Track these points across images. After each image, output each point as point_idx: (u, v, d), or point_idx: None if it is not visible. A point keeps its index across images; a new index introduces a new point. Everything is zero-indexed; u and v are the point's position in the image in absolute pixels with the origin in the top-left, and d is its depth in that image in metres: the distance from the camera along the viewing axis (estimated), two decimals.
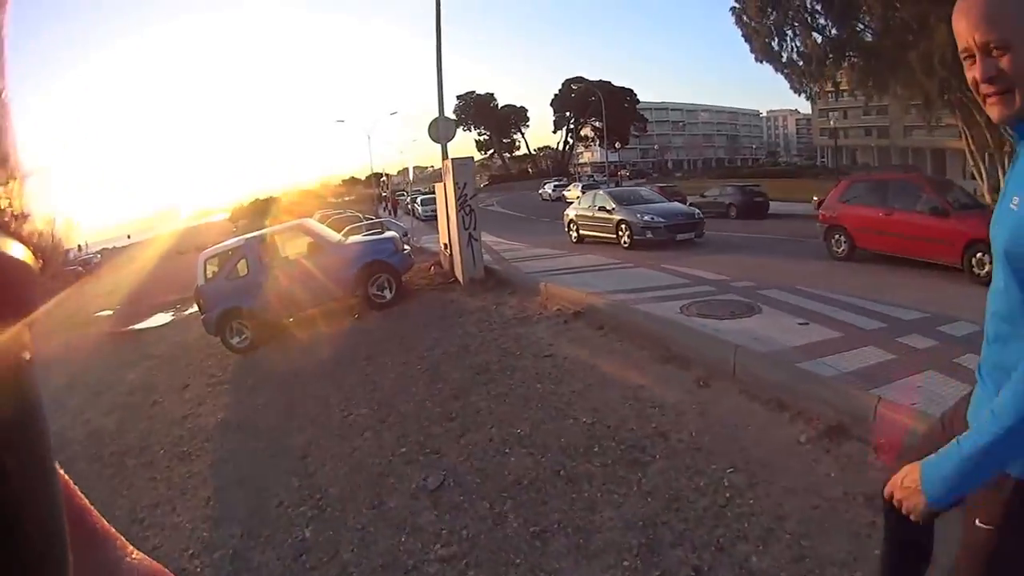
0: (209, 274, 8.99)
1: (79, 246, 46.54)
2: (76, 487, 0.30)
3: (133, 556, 0.32)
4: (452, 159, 9.67)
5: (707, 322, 5.91)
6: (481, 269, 9.54)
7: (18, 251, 0.21)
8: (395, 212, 35.66)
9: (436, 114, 11.30)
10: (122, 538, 0.32)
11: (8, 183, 0.23)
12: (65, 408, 8.39)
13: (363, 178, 68.90)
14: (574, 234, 14.58)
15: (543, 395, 4.93)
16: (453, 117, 16.16)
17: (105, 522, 0.31)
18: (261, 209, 30.47)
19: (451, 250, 9.91)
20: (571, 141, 75.91)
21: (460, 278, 9.56)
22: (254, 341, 8.76)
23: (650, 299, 7.20)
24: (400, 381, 6.03)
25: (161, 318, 14.22)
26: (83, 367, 11.01)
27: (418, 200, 31.90)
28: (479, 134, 76.07)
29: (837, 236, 10.28)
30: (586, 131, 73.24)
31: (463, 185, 9.33)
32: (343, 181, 77.00)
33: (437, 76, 11.85)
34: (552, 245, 13.79)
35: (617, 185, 29.88)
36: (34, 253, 0.22)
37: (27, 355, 0.22)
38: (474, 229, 9.37)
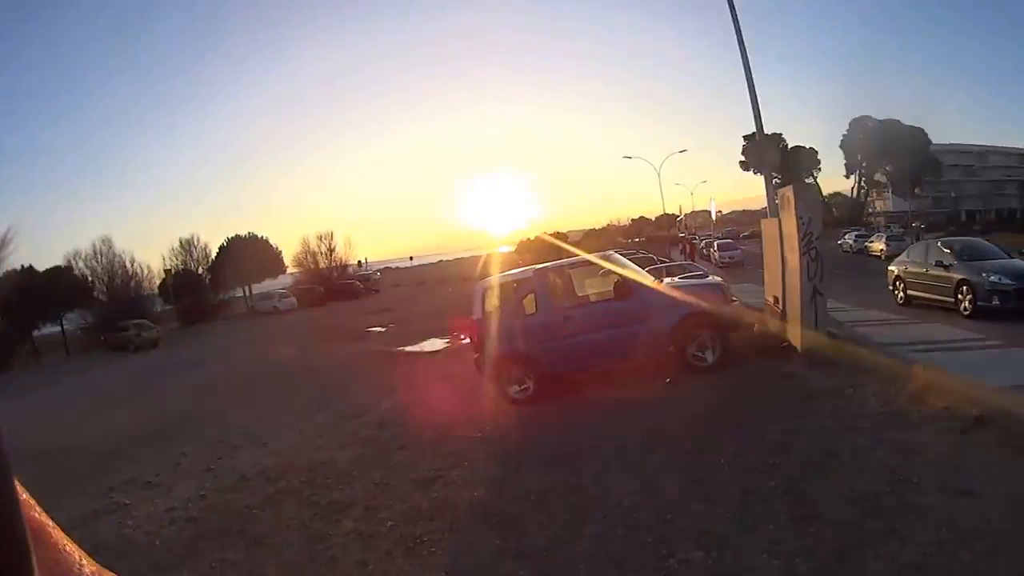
0: (489, 307, 8.12)
1: (359, 262, 53.12)
2: (32, 499, 0.29)
3: (92, 568, 0.31)
4: (794, 184, 7.64)
5: None
6: (824, 334, 7.15)
7: None
8: (692, 256, 33.79)
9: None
10: (81, 551, 0.31)
11: None
12: (304, 426, 8.17)
13: (653, 218, 64.48)
14: (900, 294, 12.26)
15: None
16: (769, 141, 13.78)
17: (63, 534, 0.30)
18: (547, 245, 31.25)
19: (784, 306, 7.67)
20: (864, 187, 66.01)
21: (796, 343, 7.28)
22: (535, 394, 7.59)
23: None
24: (744, 501, 4.13)
25: (434, 343, 14.34)
26: (340, 384, 11.20)
27: (715, 244, 30.75)
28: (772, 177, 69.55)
29: None
30: (878, 176, 62.99)
31: (807, 221, 7.13)
32: (632, 220, 74.24)
33: (750, 92, 9.87)
34: (876, 306, 11.79)
35: (918, 238, 24.95)
36: None
37: None
38: (820, 280, 7.01)
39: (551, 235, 57.45)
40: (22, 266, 32.68)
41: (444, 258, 60.13)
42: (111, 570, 0.35)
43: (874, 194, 68.44)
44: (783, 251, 7.73)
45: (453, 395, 8.80)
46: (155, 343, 27.38)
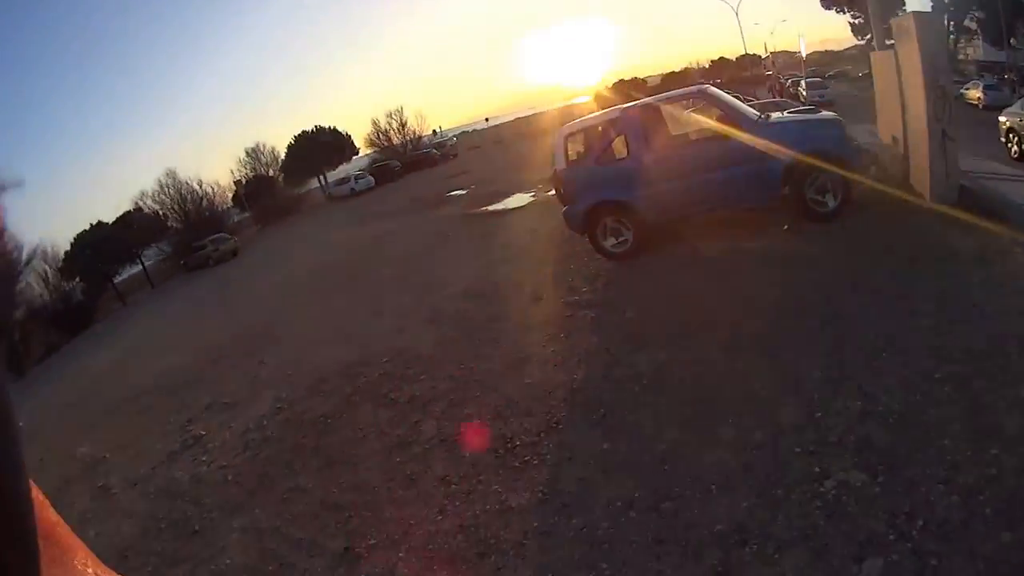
0: (573, 155, 6.70)
1: (433, 131, 51.32)
2: (47, 500, 0.28)
3: (99, 570, 0.31)
4: (914, 14, 6.25)
5: None
6: (956, 186, 5.72)
7: None
8: (781, 95, 29.86)
9: None
10: (92, 554, 0.30)
11: None
12: (384, 307, 7.44)
13: (734, 59, 58.64)
14: (1014, 148, 10.81)
15: None
16: None
17: (76, 537, 0.30)
18: (626, 91, 28.58)
19: (907, 150, 6.19)
20: (953, 33, 54.20)
21: (923, 192, 5.82)
22: (635, 246, 6.36)
23: None
24: (907, 399, 2.97)
25: (518, 199, 13.05)
26: (421, 256, 10.21)
27: (801, 83, 28.82)
28: (852, 16, 58.77)
29: None
30: (968, 22, 51.16)
31: (931, 54, 5.61)
32: (711, 62, 66.07)
33: None
34: (989, 158, 8.94)
35: (1014, 91, 20.00)
36: None
37: None
38: (948, 122, 5.56)
39: (628, 81, 52.90)
40: (90, 224, 33.39)
41: (520, 115, 56.63)
42: (118, 572, 0.34)
43: (963, 41, 56.69)
44: (901, 88, 6.22)
45: (543, 254, 7.77)
46: (235, 252, 26.43)
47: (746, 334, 4.07)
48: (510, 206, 12.83)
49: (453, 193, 18.51)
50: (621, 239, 6.42)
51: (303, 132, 47.29)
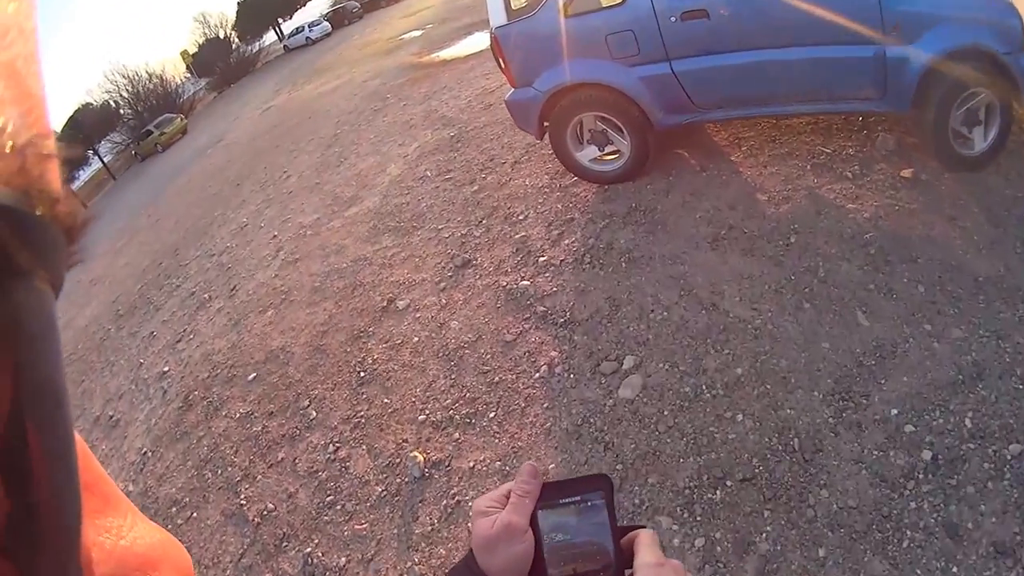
0: (522, 1, 3.92)
1: None
2: (91, 452, 0.28)
3: (144, 524, 0.30)
4: None
5: None
6: None
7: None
8: None
9: None
10: (135, 507, 0.30)
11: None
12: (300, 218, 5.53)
13: None
14: None
15: None
16: None
17: (119, 490, 0.29)
18: None
19: None
20: None
21: None
22: (632, 165, 3.85)
23: None
24: None
25: (477, 41, 10.12)
26: (348, 133, 8.44)
27: None
28: None
29: None
30: None
31: None
32: None
33: None
34: None
35: None
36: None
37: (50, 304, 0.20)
38: None
39: None
40: None
41: None
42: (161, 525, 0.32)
43: None
44: None
45: (492, 146, 5.47)
46: (183, 131, 24.38)
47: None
48: (466, 51, 10.12)
49: (407, 36, 15.70)
50: (609, 151, 3.87)
51: None
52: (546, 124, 3.91)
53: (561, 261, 3.55)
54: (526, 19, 3.77)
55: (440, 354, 3.26)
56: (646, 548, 0.51)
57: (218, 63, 36.73)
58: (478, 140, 5.77)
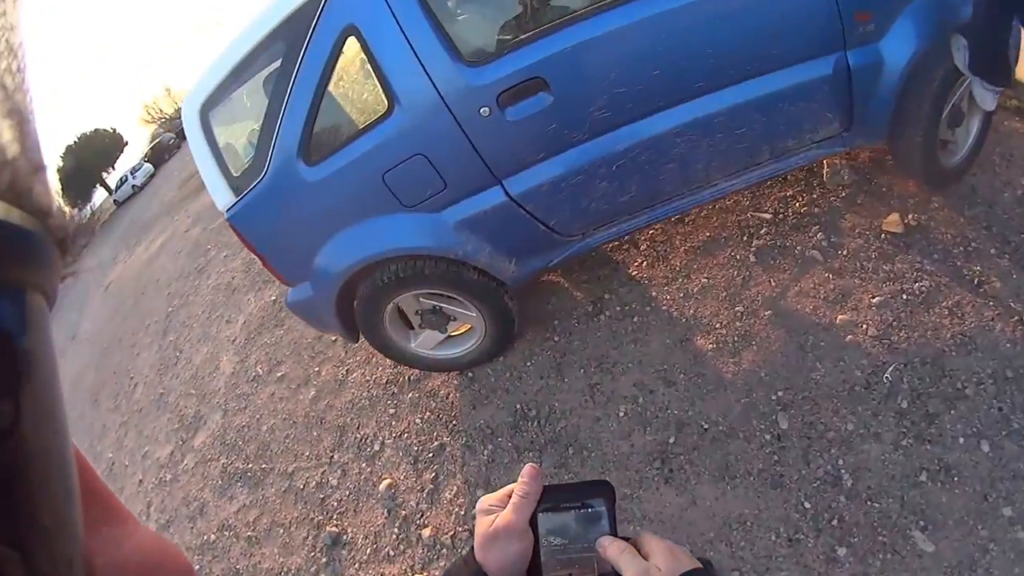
0: (240, 160, 2.48)
1: None
2: (91, 465, 0.27)
3: (144, 532, 0.30)
4: None
5: None
6: None
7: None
8: None
9: None
10: (133, 515, 0.29)
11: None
12: None
13: None
14: None
15: None
16: None
17: (119, 500, 0.29)
18: None
19: None
20: None
21: None
22: (495, 331, 2.58)
23: None
24: None
25: None
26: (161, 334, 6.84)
27: None
28: None
29: None
30: None
31: None
32: None
33: None
34: None
35: None
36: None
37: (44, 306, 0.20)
38: None
39: None
40: None
41: None
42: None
43: None
44: None
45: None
46: None
47: None
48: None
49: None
50: (456, 326, 2.58)
51: (68, 147, 42.22)
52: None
53: (452, 535, 2.21)
54: (258, 187, 2.41)
55: None
56: (629, 558, 0.48)
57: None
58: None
